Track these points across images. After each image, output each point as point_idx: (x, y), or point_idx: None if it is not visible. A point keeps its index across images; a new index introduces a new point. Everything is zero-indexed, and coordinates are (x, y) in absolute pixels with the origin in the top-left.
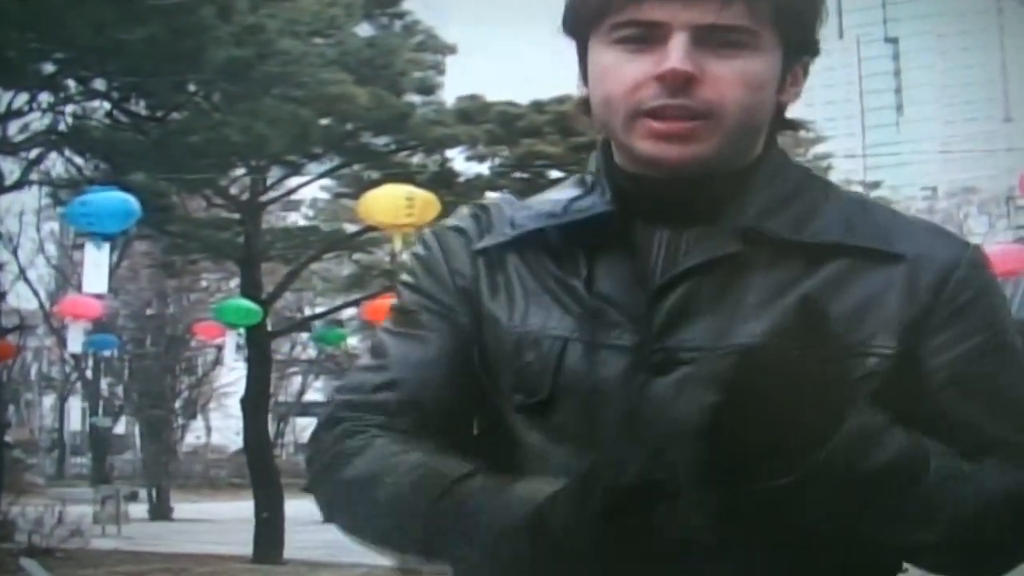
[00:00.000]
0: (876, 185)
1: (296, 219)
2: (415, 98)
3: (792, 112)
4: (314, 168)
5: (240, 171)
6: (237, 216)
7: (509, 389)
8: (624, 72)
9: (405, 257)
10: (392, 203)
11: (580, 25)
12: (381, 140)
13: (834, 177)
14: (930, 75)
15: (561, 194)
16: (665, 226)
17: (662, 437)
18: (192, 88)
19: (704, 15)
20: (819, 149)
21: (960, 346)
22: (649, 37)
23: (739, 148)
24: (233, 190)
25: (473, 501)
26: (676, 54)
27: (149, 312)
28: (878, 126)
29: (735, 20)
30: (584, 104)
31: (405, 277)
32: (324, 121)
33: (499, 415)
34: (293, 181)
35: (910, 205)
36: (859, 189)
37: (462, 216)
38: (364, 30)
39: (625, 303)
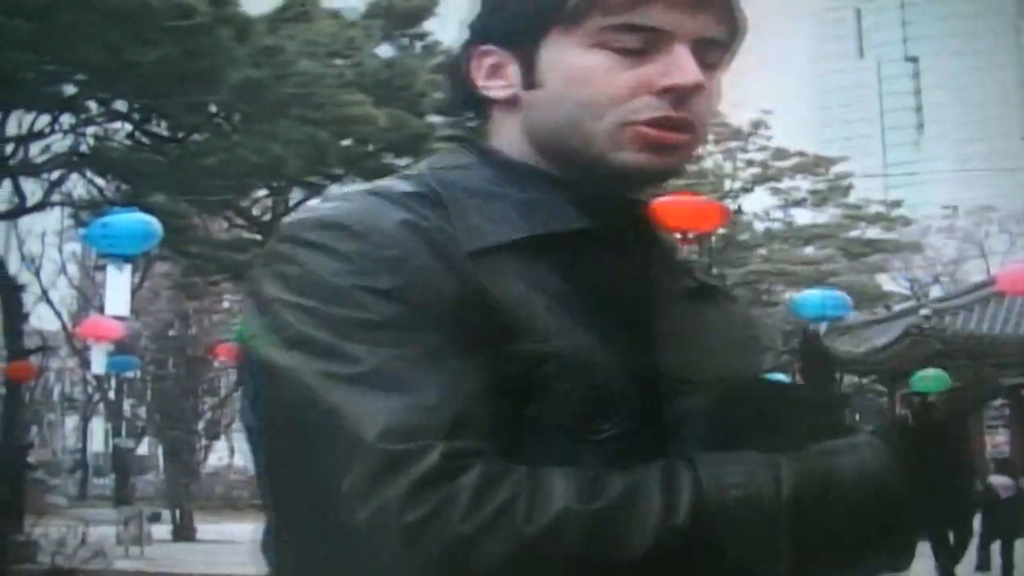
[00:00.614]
0: (897, 204)
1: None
2: (435, 119)
3: (811, 131)
4: (334, 189)
5: (261, 192)
6: (258, 237)
7: (569, 415)
8: (616, 79)
9: None
10: None
11: (543, 18)
12: (401, 161)
13: (854, 197)
14: (950, 94)
15: (488, 194)
16: (630, 243)
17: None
18: (211, 109)
19: (707, 28)
20: (839, 168)
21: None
22: (648, 45)
23: None
24: (254, 211)
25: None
26: (690, 66)
27: (171, 333)
28: (898, 145)
29: (724, 37)
30: (509, 102)
31: (366, 280)
32: (344, 142)
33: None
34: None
35: (930, 224)
36: (880, 209)
37: (403, 198)
38: (383, 51)
39: (633, 324)
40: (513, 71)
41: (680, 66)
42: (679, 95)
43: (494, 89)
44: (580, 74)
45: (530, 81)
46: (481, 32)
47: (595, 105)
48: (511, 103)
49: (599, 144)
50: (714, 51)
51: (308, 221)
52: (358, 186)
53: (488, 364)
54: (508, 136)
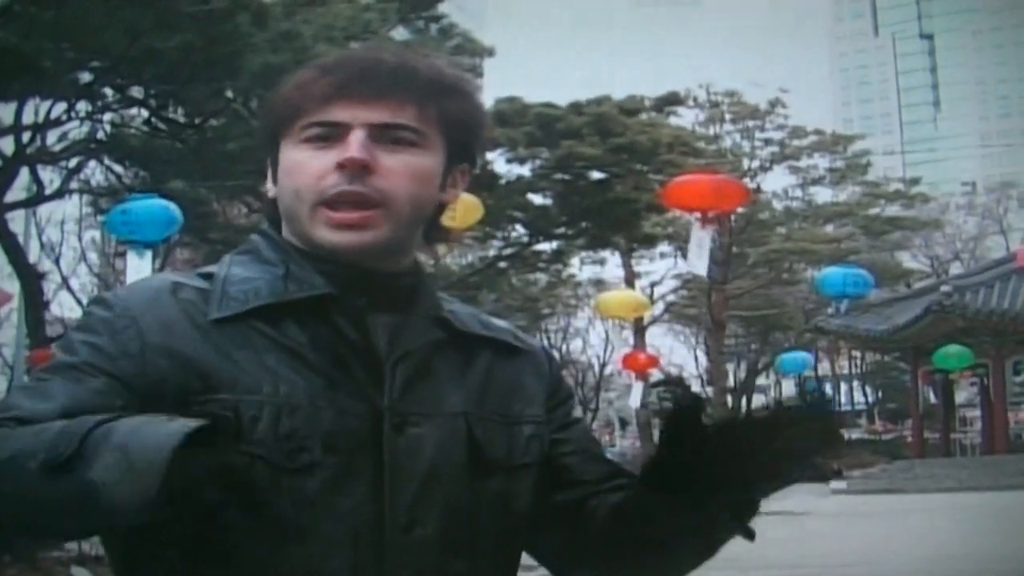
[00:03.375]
0: (916, 182)
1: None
2: None
3: (828, 109)
4: None
5: None
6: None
7: (267, 456)
8: (311, 165)
9: (448, 261)
10: None
11: (275, 129)
12: None
13: (873, 174)
14: (966, 71)
15: (255, 270)
16: (375, 311)
17: (407, 486)
18: (229, 95)
19: (380, 115)
20: (857, 146)
21: (569, 416)
22: (333, 136)
23: (406, 237)
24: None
25: (123, 423)
26: (354, 145)
27: None
28: (916, 122)
29: (406, 120)
30: (271, 203)
31: (82, 335)
32: None
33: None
34: None
35: (950, 201)
36: (899, 186)
37: (186, 279)
38: (400, 34)
39: (364, 374)
40: (270, 175)
41: (349, 146)
42: (352, 169)
43: (270, 191)
44: (290, 166)
45: (274, 178)
46: (261, 144)
47: (299, 190)
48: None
49: (306, 226)
50: (401, 132)
51: (98, 295)
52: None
53: (170, 408)
54: (284, 225)
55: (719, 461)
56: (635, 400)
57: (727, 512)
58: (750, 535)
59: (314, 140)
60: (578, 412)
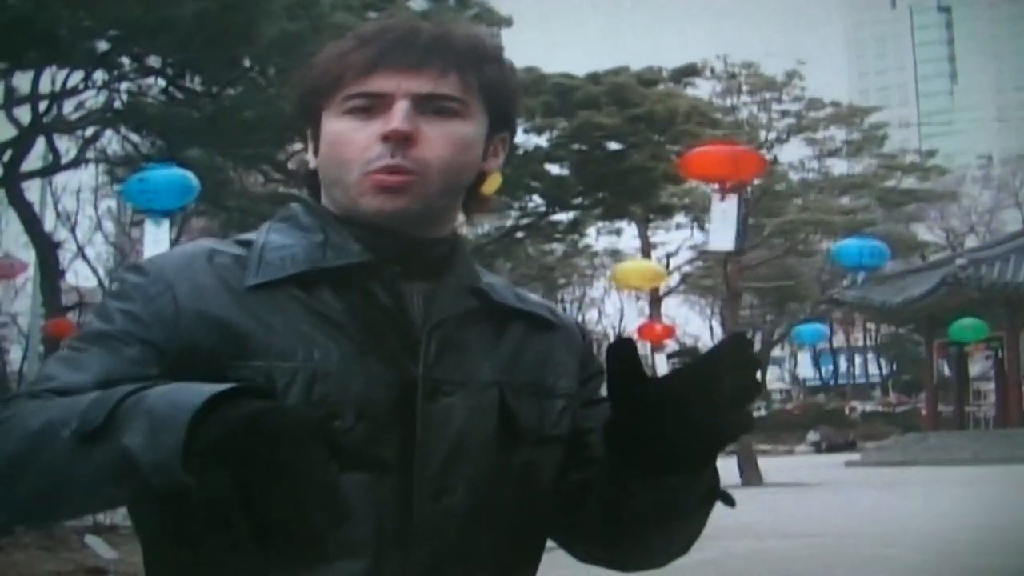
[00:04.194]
0: (932, 154)
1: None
2: None
3: (844, 80)
4: None
5: (298, 145)
6: (295, 191)
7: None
8: (356, 137)
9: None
10: None
11: (314, 100)
12: None
13: (889, 147)
14: (983, 43)
15: (293, 237)
16: (411, 278)
17: (436, 453)
18: (246, 63)
19: (423, 85)
20: (873, 118)
21: (596, 393)
22: (376, 106)
23: (447, 206)
24: (291, 164)
25: (153, 391)
26: (398, 117)
27: None
28: (932, 94)
29: (449, 90)
30: (311, 173)
31: (117, 302)
32: None
33: None
34: None
35: (965, 173)
36: (915, 158)
37: (224, 245)
38: (418, 3)
39: (398, 341)
40: (312, 144)
41: (393, 118)
42: (396, 141)
43: (311, 162)
44: (333, 137)
45: (316, 149)
46: (300, 115)
47: (345, 162)
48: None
49: (351, 194)
50: (444, 103)
51: (132, 264)
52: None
53: (205, 373)
54: (325, 196)
55: (663, 417)
56: (661, 371)
57: (686, 472)
58: (728, 500)
59: (356, 111)
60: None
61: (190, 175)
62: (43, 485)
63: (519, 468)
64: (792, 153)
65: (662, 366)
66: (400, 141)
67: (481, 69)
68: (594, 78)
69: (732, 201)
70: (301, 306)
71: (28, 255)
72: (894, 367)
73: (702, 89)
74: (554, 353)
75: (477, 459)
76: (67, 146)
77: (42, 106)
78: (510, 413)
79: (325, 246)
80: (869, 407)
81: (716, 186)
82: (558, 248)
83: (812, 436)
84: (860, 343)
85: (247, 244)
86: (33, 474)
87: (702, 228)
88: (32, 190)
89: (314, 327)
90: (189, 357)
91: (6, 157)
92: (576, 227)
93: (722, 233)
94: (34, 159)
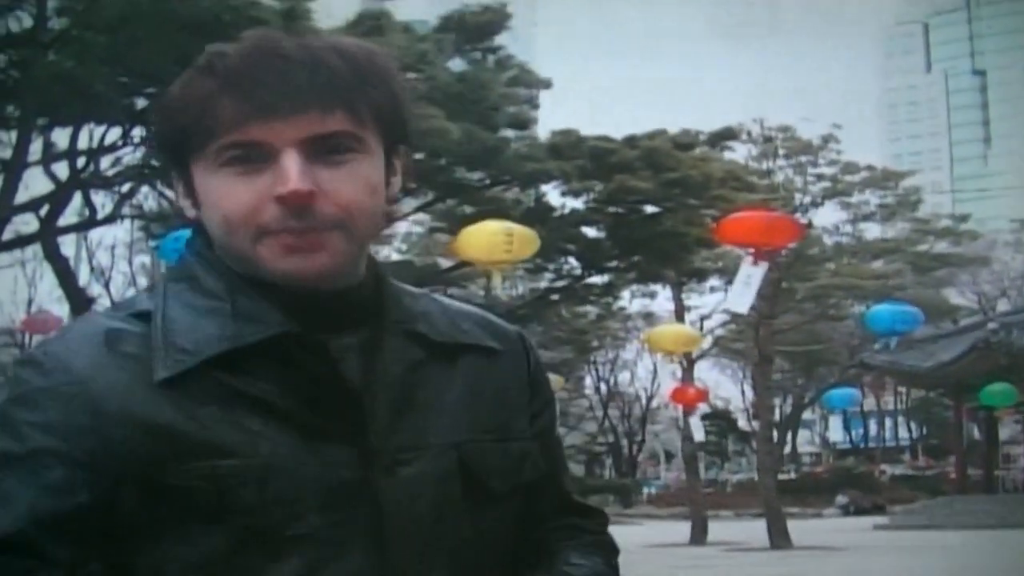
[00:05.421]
0: (964, 219)
1: (389, 253)
2: (509, 133)
3: (880, 145)
4: (407, 202)
5: None
6: None
7: (258, 527)
8: (239, 194)
9: (499, 292)
10: (490, 239)
11: (181, 151)
12: (474, 175)
13: (923, 212)
14: (1017, 107)
15: (198, 307)
16: (340, 334)
17: (409, 532)
18: None
19: (308, 128)
20: (908, 182)
21: (544, 431)
22: (256, 157)
23: (363, 249)
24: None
25: None
26: (292, 174)
27: None
28: (966, 159)
29: (338, 127)
30: (200, 225)
31: (22, 411)
32: (416, 156)
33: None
34: None
35: (997, 238)
36: (948, 223)
37: (97, 333)
38: (455, 65)
39: (341, 415)
40: (187, 194)
41: (283, 175)
42: (296, 203)
43: (186, 209)
44: (213, 195)
45: (194, 203)
46: (166, 160)
47: (231, 220)
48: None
49: (250, 257)
50: (335, 140)
51: (25, 354)
52: (91, 316)
53: (140, 485)
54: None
55: None
56: (699, 434)
57: None
58: None
59: (234, 163)
60: (558, 427)
61: None
62: None
63: (494, 526)
64: (826, 217)
65: (697, 429)
66: (301, 203)
67: (368, 95)
68: (631, 141)
69: (762, 268)
70: (228, 392)
71: (62, 309)
72: (923, 431)
73: (738, 152)
74: (505, 387)
75: (452, 528)
76: (103, 201)
77: (80, 162)
78: (472, 473)
79: (236, 318)
80: (898, 470)
81: (751, 250)
82: (591, 311)
83: (840, 499)
84: (890, 407)
85: (145, 317)
86: None
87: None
88: (67, 245)
89: (250, 415)
90: (120, 468)
91: (43, 211)
92: (610, 290)
93: (741, 297)
94: (70, 214)
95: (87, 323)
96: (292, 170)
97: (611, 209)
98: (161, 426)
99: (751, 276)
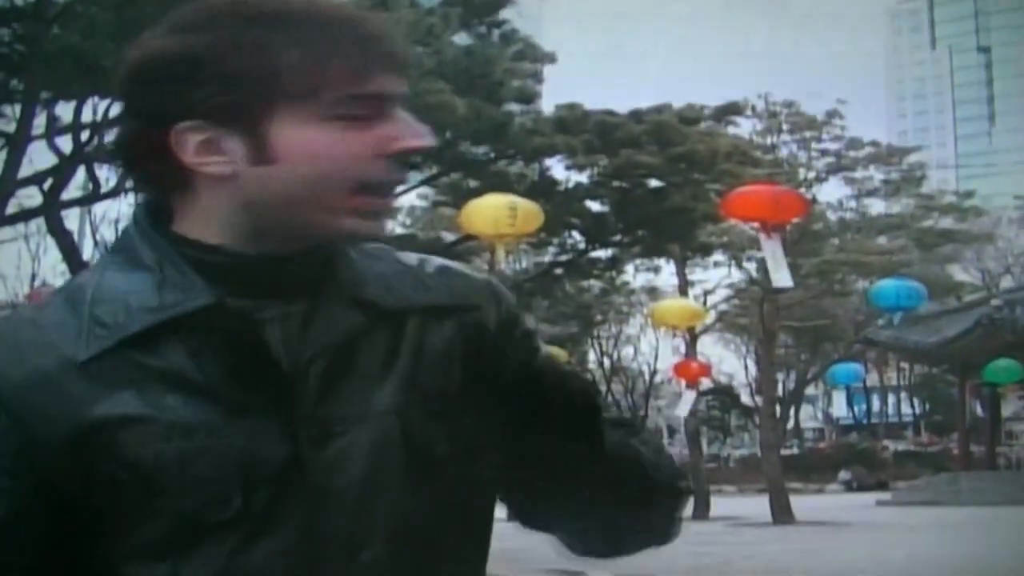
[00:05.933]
0: (969, 195)
1: (393, 227)
2: (514, 107)
3: (883, 123)
4: (412, 176)
5: None
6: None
7: (184, 511)
8: (345, 147)
9: (503, 266)
10: (494, 213)
11: (270, 96)
12: (480, 149)
13: (927, 188)
14: (1022, 85)
15: (128, 279)
16: (272, 300)
17: (340, 505)
18: None
19: (403, 84)
20: (912, 159)
21: (531, 353)
22: (367, 111)
23: None
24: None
25: None
26: (413, 130)
27: None
28: (970, 136)
29: (405, 88)
30: (226, 178)
31: None
32: None
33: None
34: None
35: (1002, 215)
36: (952, 199)
37: (36, 314)
38: (461, 39)
39: (265, 387)
40: (232, 147)
41: (406, 129)
42: (412, 157)
43: (212, 165)
44: (308, 146)
45: (261, 157)
46: (179, 109)
47: (327, 176)
48: (227, 179)
49: (324, 214)
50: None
51: None
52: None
53: (68, 474)
54: (215, 211)
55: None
56: (684, 409)
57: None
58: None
59: (345, 117)
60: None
61: None
62: None
63: (442, 495)
64: (831, 193)
65: (687, 402)
66: (413, 157)
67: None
68: (636, 116)
69: (777, 239)
70: (144, 371)
71: None
72: (927, 407)
73: (743, 127)
74: (468, 348)
75: (390, 500)
76: (107, 175)
77: (83, 135)
78: (414, 442)
79: (162, 288)
80: (901, 447)
81: (757, 225)
82: (595, 285)
83: (843, 475)
84: (894, 383)
85: (81, 292)
86: None
87: (740, 266)
88: (71, 219)
89: (169, 393)
90: (41, 467)
91: (46, 185)
92: (614, 264)
93: (778, 272)
94: (74, 188)
95: (12, 319)
96: (412, 125)
97: (616, 183)
98: (79, 413)
99: (775, 250)
